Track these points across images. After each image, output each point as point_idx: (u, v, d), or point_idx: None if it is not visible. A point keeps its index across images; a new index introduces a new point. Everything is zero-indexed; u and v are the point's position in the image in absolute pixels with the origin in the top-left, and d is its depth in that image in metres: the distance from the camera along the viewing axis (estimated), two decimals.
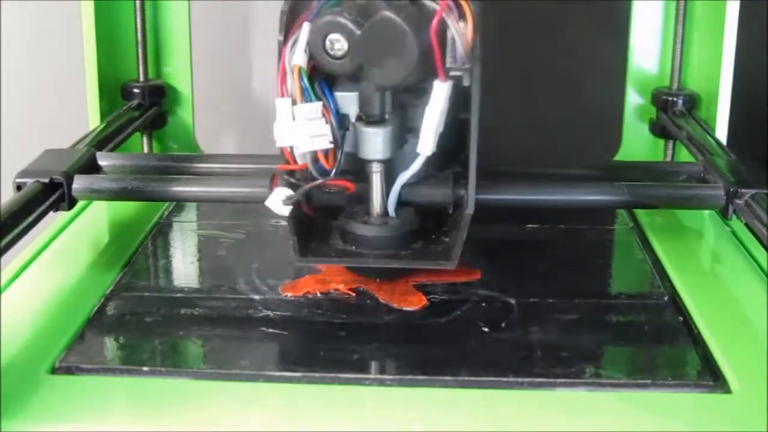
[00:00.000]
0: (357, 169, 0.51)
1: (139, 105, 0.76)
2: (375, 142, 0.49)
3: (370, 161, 0.50)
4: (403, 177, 0.51)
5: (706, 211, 0.65)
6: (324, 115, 0.48)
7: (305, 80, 0.47)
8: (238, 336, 0.49)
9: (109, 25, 0.75)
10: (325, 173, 0.49)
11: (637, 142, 0.79)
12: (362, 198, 0.52)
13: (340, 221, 0.52)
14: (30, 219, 0.52)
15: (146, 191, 0.57)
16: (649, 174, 0.61)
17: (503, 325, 0.49)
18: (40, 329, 0.49)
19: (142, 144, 0.77)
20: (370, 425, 0.41)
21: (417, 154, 0.49)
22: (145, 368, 0.45)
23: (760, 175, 0.57)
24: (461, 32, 0.47)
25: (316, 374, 0.45)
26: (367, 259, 0.51)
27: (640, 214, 0.65)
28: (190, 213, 0.66)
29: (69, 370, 0.45)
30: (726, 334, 0.48)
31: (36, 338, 0.48)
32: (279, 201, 0.49)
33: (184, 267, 0.58)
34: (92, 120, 0.73)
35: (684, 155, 0.73)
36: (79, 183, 0.56)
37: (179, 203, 0.67)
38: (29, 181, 0.55)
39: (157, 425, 0.41)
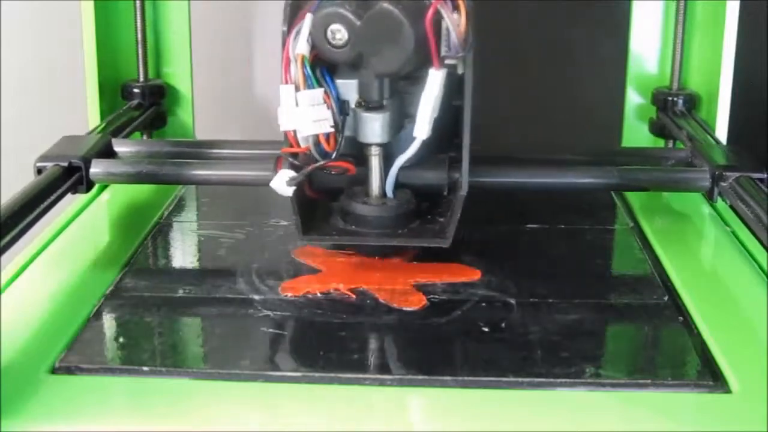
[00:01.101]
0: (357, 152, 0.53)
1: (139, 105, 0.76)
2: (373, 127, 0.52)
3: (369, 145, 0.53)
4: (401, 160, 0.53)
5: (707, 211, 0.66)
6: (325, 101, 0.50)
7: (308, 68, 0.50)
8: (238, 336, 0.49)
9: (109, 25, 0.75)
10: (326, 156, 0.51)
11: (637, 142, 0.79)
12: (362, 180, 0.54)
13: (341, 202, 0.55)
14: (50, 200, 0.55)
15: (161, 174, 0.60)
16: (638, 159, 0.64)
17: (503, 325, 0.49)
18: (40, 329, 0.49)
19: None
20: (370, 425, 0.41)
21: (413, 139, 0.52)
22: (145, 368, 0.45)
23: (745, 159, 0.59)
24: (455, 23, 0.49)
25: (316, 374, 0.45)
26: (367, 237, 0.54)
27: (640, 214, 0.65)
28: (190, 213, 0.66)
29: (69, 370, 0.45)
30: (726, 334, 0.48)
31: (36, 338, 0.48)
32: (283, 182, 0.51)
33: (184, 267, 0.58)
34: (92, 120, 0.73)
35: None
36: (97, 167, 0.59)
37: (180, 202, 0.67)
38: (49, 165, 0.58)
39: (157, 425, 0.41)
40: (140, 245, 0.60)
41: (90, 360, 0.46)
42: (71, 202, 0.65)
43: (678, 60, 0.76)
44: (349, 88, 0.52)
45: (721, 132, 0.73)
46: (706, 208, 0.66)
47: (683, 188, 0.61)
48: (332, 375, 0.45)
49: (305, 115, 0.50)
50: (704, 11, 0.74)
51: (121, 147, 0.65)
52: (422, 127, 0.51)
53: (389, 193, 0.55)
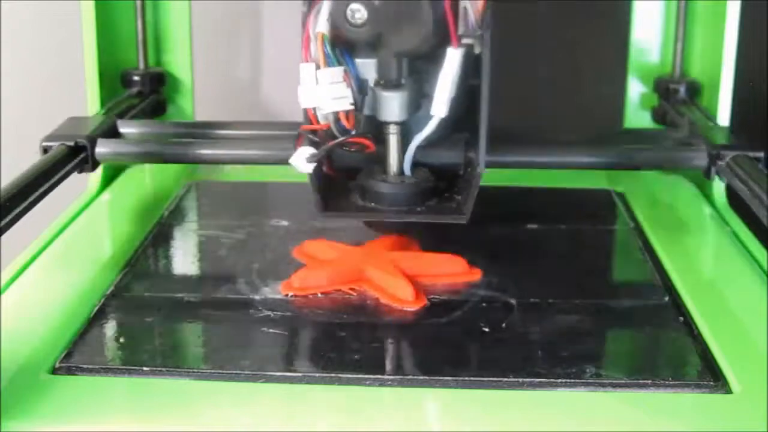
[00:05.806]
0: (375, 132, 0.54)
1: (139, 93, 0.76)
2: (392, 106, 0.53)
3: (388, 123, 0.53)
4: (418, 138, 0.54)
5: (707, 212, 0.66)
6: (345, 80, 0.51)
7: (328, 46, 0.50)
8: (238, 336, 0.49)
9: (109, 12, 0.74)
10: (346, 133, 0.52)
11: None
12: (380, 159, 0.55)
13: (359, 179, 0.55)
14: (56, 178, 0.56)
15: (168, 153, 0.60)
16: (636, 139, 0.66)
17: (503, 325, 0.49)
18: (40, 329, 0.49)
19: None
20: (370, 425, 0.41)
21: (431, 118, 0.52)
22: (145, 368, 0.45)
23: (743, 138, 0.60)
24: (473, 2, 0.50)
25: (316, 374, 0.45)
26: (385, 213, 0.54)
27: (641, 214, 0.65)
28: (191, 213, 0.66)
29: (69, 370, 0.45)
30: (726, 334, 0.48)
31: (36, 338, 0.48)
32: (303, 159, 0.52)
33: (185, 267, 0.58)
34: (92, 107, 0.73)
35: None
36: (103, 146, 0.60)
37: (180, 203, 0.67)
38: (55, 144, 0.59)
39: (157, 425, 0.41)
40: (141, 245, 0.59)
41: (90, 360, 0.46)
42: (73, 198, 0.65)
43: (680, 48, 0.75)
44: (367, 67, 0.53)
45: (724, 120, 0.72)
46: (706, 209, 0.66)
47: (680, 166, 0.62)
48: (332, 375, 0.45)
49: (325, 92, 0.50)
50: None
51: (126, 128, 0.65)
52: (440, 106, 0.52)
53: (407, 171, 0.55)
